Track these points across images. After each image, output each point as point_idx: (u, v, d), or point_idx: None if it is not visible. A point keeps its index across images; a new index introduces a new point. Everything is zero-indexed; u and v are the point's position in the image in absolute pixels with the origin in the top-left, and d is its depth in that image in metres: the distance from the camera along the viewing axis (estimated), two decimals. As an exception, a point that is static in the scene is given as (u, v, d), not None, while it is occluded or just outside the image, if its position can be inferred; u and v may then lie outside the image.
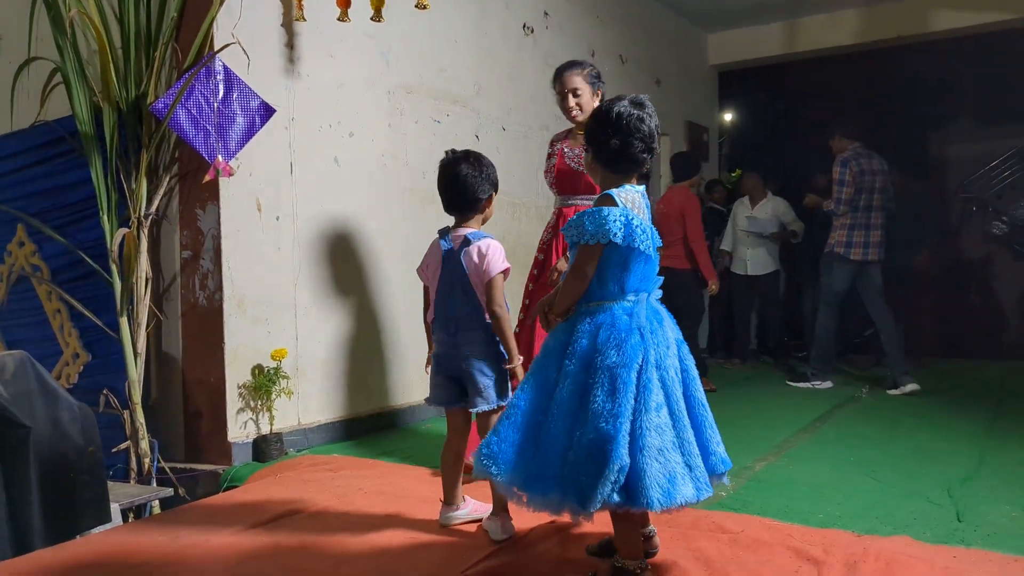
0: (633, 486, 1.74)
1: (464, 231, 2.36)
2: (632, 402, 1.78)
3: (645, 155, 1.95)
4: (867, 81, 7.66)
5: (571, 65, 3.17)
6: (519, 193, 5.09)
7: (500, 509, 2.27)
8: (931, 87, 7.41)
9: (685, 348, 1.99)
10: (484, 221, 2.45)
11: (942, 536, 2.33)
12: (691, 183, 5.54)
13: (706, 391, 2.02)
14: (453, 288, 2.32)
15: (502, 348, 2.33)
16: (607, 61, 6.17)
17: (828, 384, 5.34)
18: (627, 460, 1.73)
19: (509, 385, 2.34)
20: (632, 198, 1.94)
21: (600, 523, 2.01)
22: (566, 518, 1.93)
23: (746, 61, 8.08)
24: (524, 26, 5.22)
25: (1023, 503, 2.70)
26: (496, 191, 2.42)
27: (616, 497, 1.74)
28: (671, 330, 1.96)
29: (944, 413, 4.42)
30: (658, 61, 7.00)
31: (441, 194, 2.43)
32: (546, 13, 5.43)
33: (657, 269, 2.00)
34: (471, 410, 2.34)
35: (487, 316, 2.32)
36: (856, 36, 7.30)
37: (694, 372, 1.97)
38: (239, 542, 2.29)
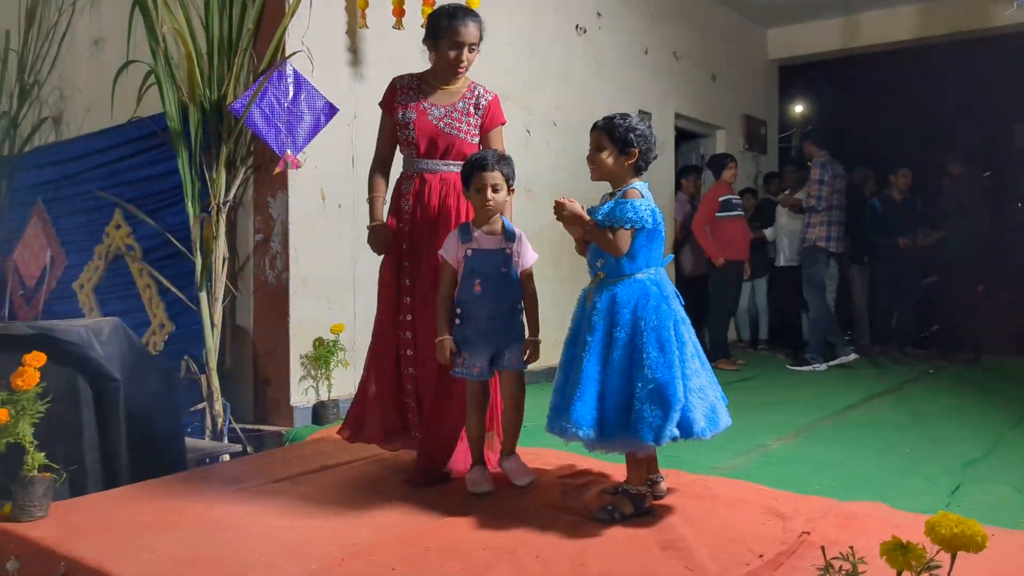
0: (684, 421, 2.12)
1: None
2: (676, 353, 2.15)
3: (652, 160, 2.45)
4: (927, 75, 7.60)
5: (472, 15, 2.80)
6: (567, 184, 5.35)
7: (477, 461, 2.57)
8: (993, 81, 7.30)
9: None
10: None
11: (925, 508, 2.35)
12: (724, 178, 6.03)
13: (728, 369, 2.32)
14: None
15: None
16: (660, 57, 6.36)
17: (823, 366, 5.82)
18: (684, 399, 2.10)
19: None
20: (645, 190, 2.37)
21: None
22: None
23: (806, 56, 8.10)
24: (577, 27, 5.48)
25: (1022, 486, 2.79)
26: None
27: (676, 432, 2.09)
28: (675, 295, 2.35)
29: (980, 406, 4.42)
30: (713, 57, 7.12)
31: None
32: (599, 14, 5.67)
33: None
34: None
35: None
36: (913, 31, 7.30)
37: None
38: (285, 488, 2.65)
